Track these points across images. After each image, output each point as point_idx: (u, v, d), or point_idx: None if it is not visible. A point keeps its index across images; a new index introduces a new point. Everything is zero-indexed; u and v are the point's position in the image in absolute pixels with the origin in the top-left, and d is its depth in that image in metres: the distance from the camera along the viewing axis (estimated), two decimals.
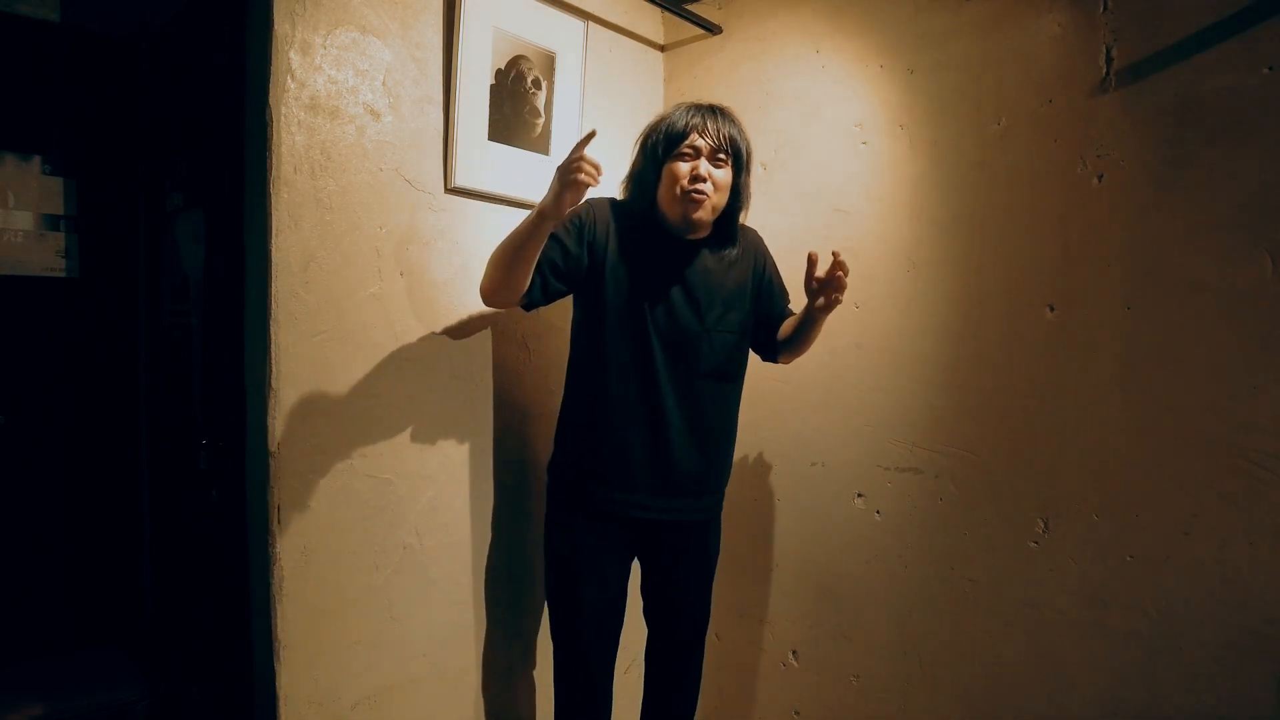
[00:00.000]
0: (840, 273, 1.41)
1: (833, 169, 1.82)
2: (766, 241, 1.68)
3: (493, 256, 1.44)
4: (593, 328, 1.54)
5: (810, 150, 1.87)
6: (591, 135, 1.29)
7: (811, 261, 1.43)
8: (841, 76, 1.81)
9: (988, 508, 1.61)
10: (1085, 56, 1.47)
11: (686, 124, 1.47)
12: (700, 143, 1.45)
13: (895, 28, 1.72)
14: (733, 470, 2.01)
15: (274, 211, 1.36)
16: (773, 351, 1.67)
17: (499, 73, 1.68)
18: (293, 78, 1.37)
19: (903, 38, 1.71)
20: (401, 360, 1.57)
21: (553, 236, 1.45)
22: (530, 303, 1.48)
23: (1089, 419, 1.48)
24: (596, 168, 1.28)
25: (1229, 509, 1.33)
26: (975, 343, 1.62)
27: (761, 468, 1.96)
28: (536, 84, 1.77)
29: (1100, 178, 1.46)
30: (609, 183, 1.55)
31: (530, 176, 1.77)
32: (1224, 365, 1.34)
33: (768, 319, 1.64)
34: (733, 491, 2.01)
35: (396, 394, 1.56)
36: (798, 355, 1.66)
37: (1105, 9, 1.45)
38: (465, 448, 1.70)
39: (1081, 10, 1.47)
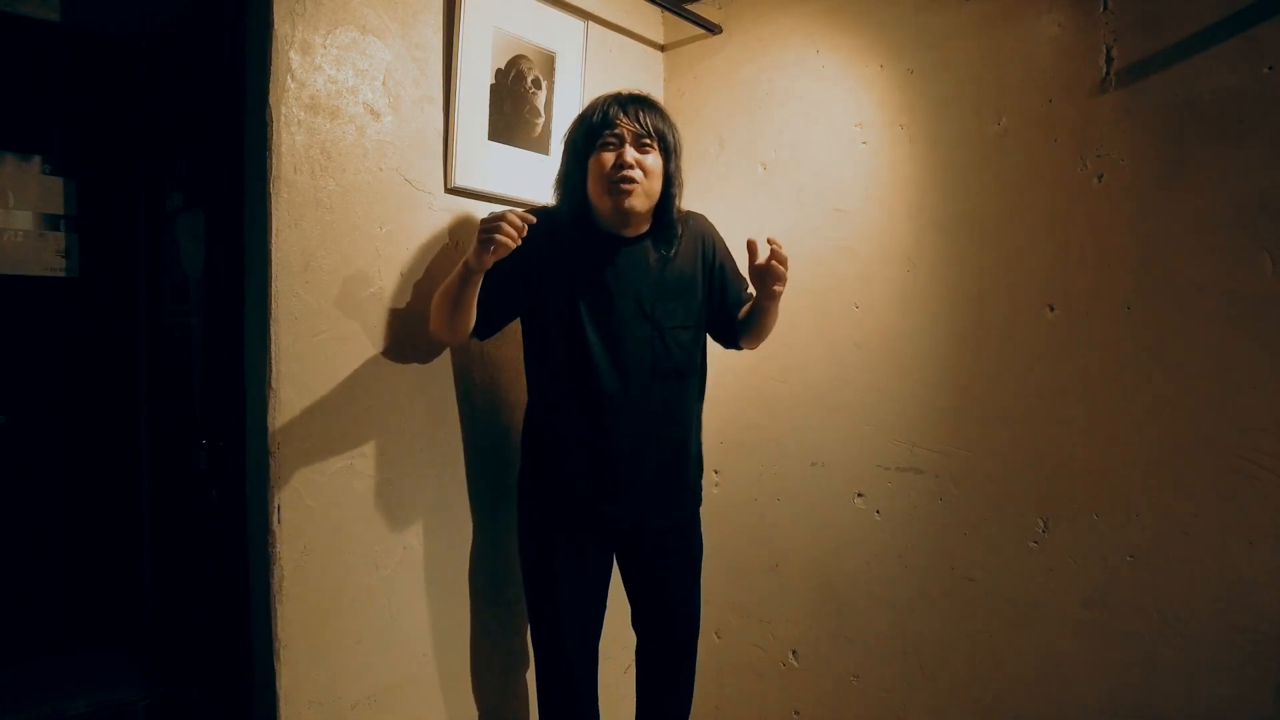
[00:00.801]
0: (775, 260, 1.38)
1: (833, 169, 1.82)
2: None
3: (433, 303, 1.48)
4: (535, 339, 1.54)
5: (810, 150, 1.87)
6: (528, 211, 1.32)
7: (751, 250, 1.40)
8: (841, 76, 1.81)
9: (988, 508, 1.61)
10: (1085, 56, 1.47)
11: (605, 113, 1.43)
12: (622, 130, 1.42)
13: (895, 28, 1.72)
14: (733, 470, 2.02)
15: (274, 211, 1.36)
16: (732, 339, 1.63)
17: (499, 72, 1.68)
18: (293, 77, 1.37)
19: (903, 38, 1.71)
20: (402, 360, 1.57)
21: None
22: (479, 337, 1.51)
23: (1089, 419, 1.48)
24: (519, 229, 1.28)
25: (1229, 509, 1.33)
26: (975, 343, 1.62)
27: (761, 468, 1.96)
28: (536, 84, 1.77)
29: (1100, 178, 1.46)
30: None
31: (530, 176, 1.77)
32: (1224, 365, 1.34)
33: (722, 307, 1.60)
34: (733, 491, 2.01)
35: (396, 394, 1.56)
36: (759, 341, 1.63)
37: (1105, 9, 1.45)
38: (466, 446, 1.70)
39: (1081, 10, 1.47)
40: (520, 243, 1.31)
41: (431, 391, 1.62)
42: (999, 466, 1.59)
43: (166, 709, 1.78)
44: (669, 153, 1.46)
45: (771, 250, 1.38)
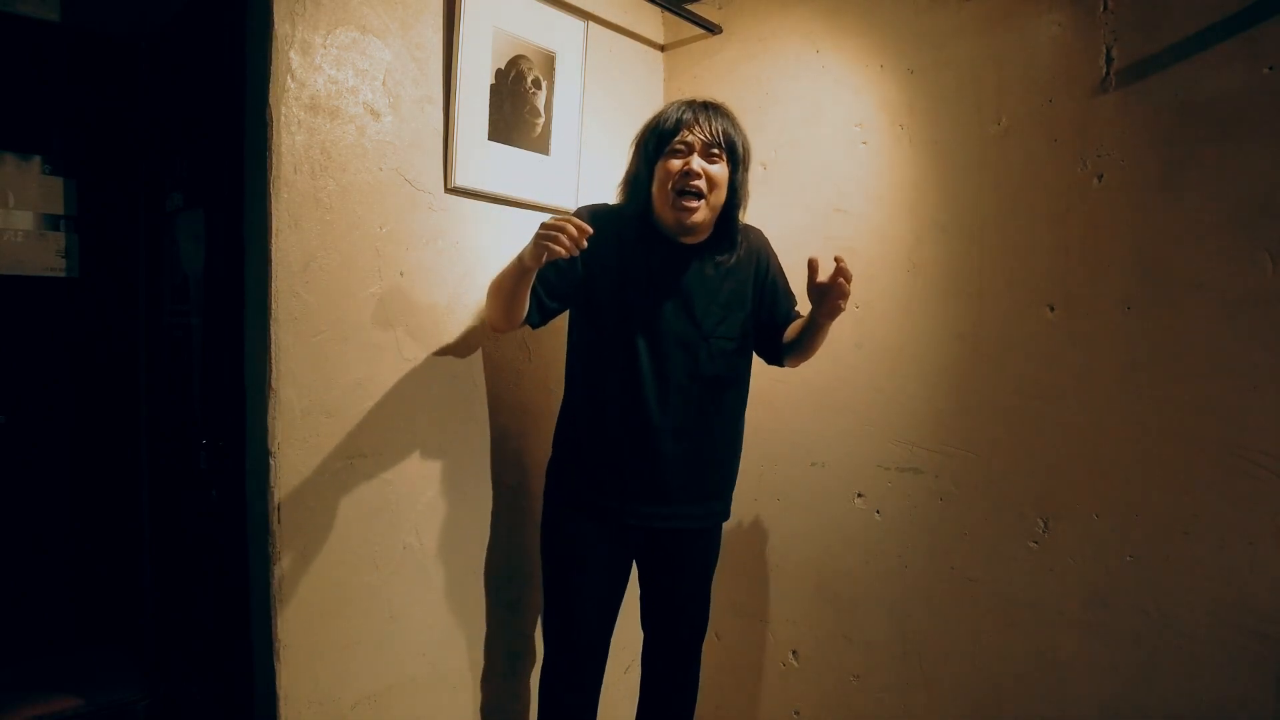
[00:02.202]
0: (842, 279, 1.35)
1: (833, 169, 1.82)
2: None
3: (489, 291, 1.50)
4: (584, 334, 1.55)
5: (810, 150, 1.87)
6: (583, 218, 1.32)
7: (812, 268, 1.38)
8: (841, 76, 1.81)
9: (988, 508, 1.61)
10: (1085, 56, 1.47)
11: (678, 120, 1.43)
12: (692, 138, 1.42)
13: (895, 28, 1.72)
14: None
15: (274, 211, 1.36)
16: (777, 356, 1.62)
17: (499, 72, 1.68)
18: (293, 78, 1.37)
19: (903, 38, 1.71)
20: (401, 360, 1.57)
21: None
22: (532, 324, 1.51)
23: (1089, 419, 1.48)
24: (575, 240, 1.27)
25: (1229, 509, 1.33)
26: (975, 343, 1.62)
27: (761, 468, 1.96)
28: (536, 84, 1.77)
29: (1100, 178, 1.46)
30: (609, 186, 1.55)
31: (530, 176, 1.77)
32: (1224, 365, 1.34)
33: (770, 323, 1.60)
34: (733, 491, 2.01)
35: (396, 394, 1.56)
36: (803, 360, 1.61)
37: (1105, 9, 1.45)
38: (465, 447, 1.70)
39: (1081, 10, 1.47)
40: (576, 254, 1.30)
41: (432, 392, 1.62)
42: (999, 466, 1.59)
43: (166, 709, 1.78)
44: (737, 163, 1.46)
45: (838, 268, 1.34)
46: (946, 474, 1.67)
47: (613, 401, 1.50)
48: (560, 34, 1.80)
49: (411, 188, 1.57)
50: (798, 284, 1.57)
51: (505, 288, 1.43)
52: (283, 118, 1.36)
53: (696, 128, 1.42)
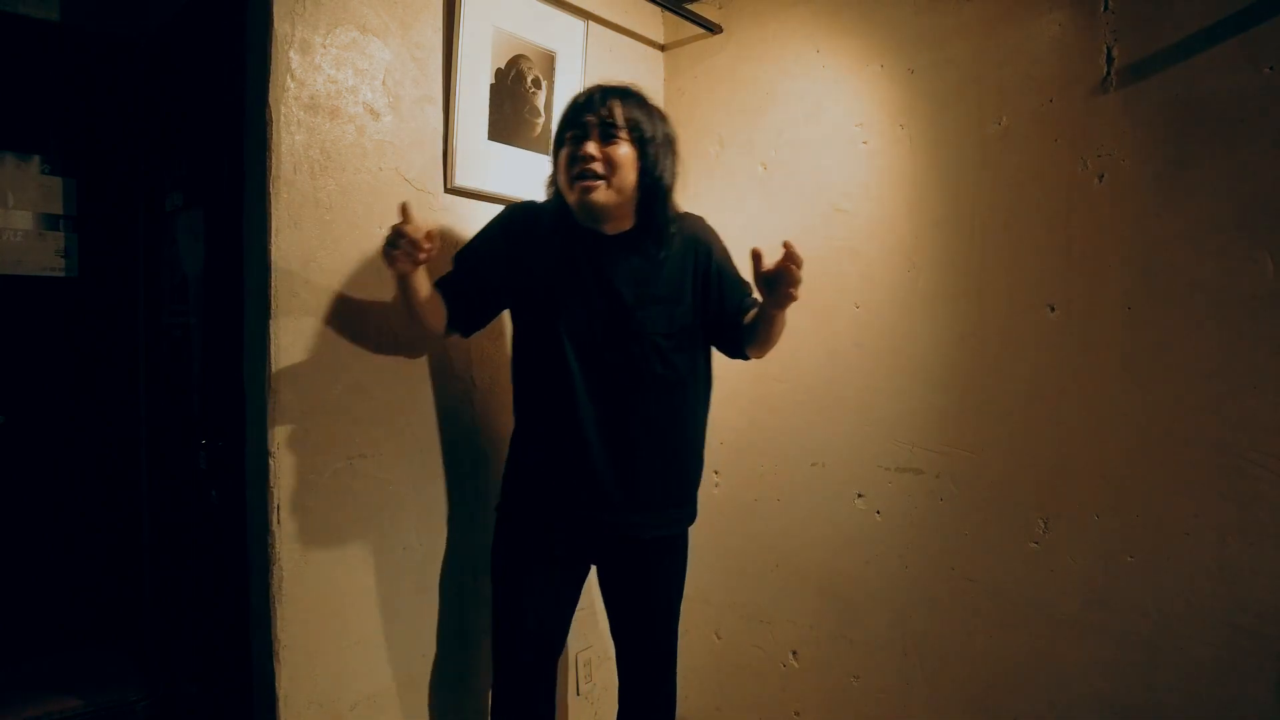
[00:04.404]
0: (792, 264, 1.25)
1: (833, 169, 1.82)
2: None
3: None
4: (518, 337, 1.50)
5: (810, 150, 1.86)
6: (402, 206, 1.22)
7: (756, 257, 1.29)
8: (841, 76, 1.81)
9: (988, 508, 1.61)
10: (1086, 56, 1.47)
11: (576, 106, 1.36)
12: (588, 120, 1.34)
13: (895, 27, 1.72)
14: (733, 470, 2.01)
15: (274, 211, 1.36)
16: (738, 348, 1.50)
17: (499, 72, 1.68)
18: (292, 77, 1.37)
19: (903, 37, 1.71)
20: (401, 361, 1.56)
21: (459, 258, 1.45)
22: (460, 332, 1.47)
23: (1089, 419, 1.48)
24: (416, 245, 1.20)
25: (1229, 509, 1.33)
26: (975, 343, 1.62)
27: (761, 468, 1.96)
28: (536, 83, 1.76)
29: (1101, 178, 1.46)
30: None
31: (530, 176, 1.76)
32: (1224, 365, 1.34)
33: (722, 314, 1.47)
34: (733, 491, 2.01)
35: (396, 394, 1.56)
36: (765, 351, 1.50)
37: (1106, 9, 1.45)
38: (465, 447, 1.69)
39: (1082, 10, 1.47)
40: (414, 267, 1.25)
41: (432, 392, 1.62)
42: (999, 466, 1.59)
43: (166, 709, 1.78)
44: (646, 143, 1.36)
45: (787, 252, 1.25)
46: (946, 474, 1.66)
47: (544, 407, 1.43)
48: (560, 34, 1.80)
49: (411, 188, 1.57)
50: None
51: (398, 299, 1.37)
52: (282, 117, 1.36)
53: (590, 109, 1.35)
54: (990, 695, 1.61)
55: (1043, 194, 1.52)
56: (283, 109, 1.36)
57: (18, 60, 1.77)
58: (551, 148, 1.43)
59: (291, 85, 1.37)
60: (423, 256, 1.24)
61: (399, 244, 1.22)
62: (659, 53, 2.14)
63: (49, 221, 1.84)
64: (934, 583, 1.69)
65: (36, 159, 1.82)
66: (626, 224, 1.42)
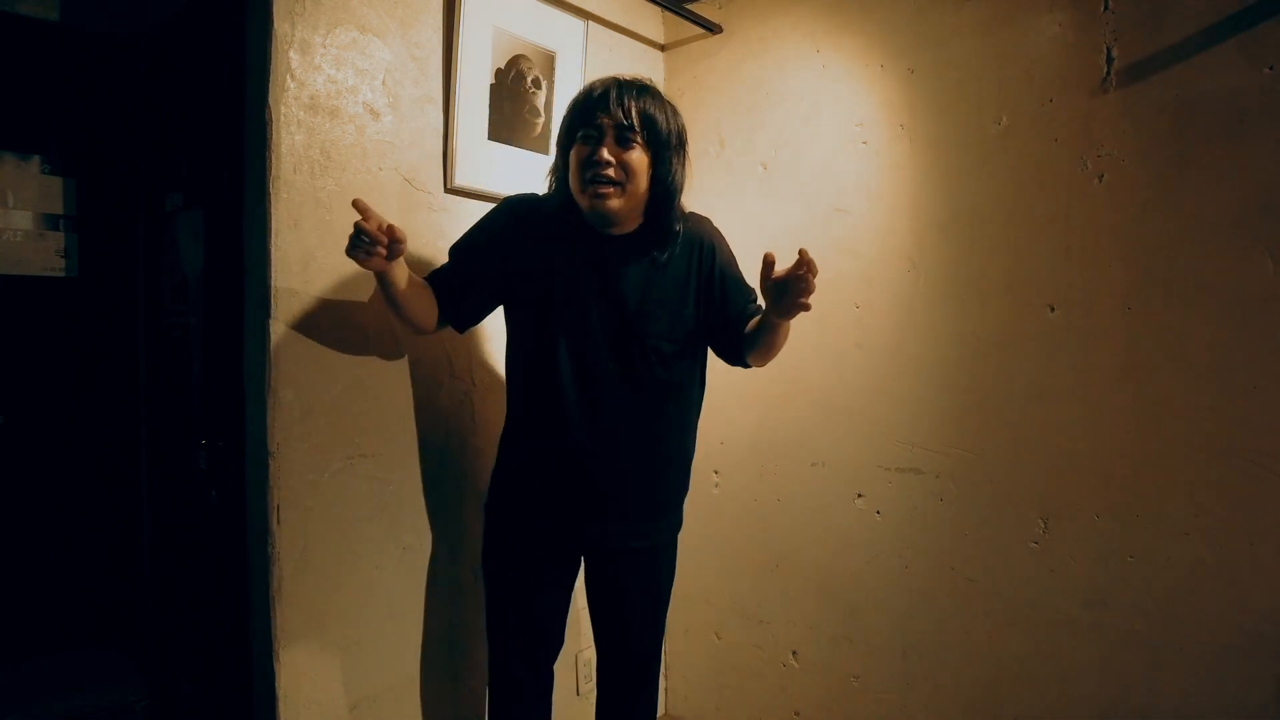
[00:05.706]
0: (806, 272, 1.19)
1: (833, 169, 1.82)
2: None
3: None
4: (511, 337, 1.46)
5: (810, 150, 1.86)
6: (356, 203, 1.19)
7: (768, 262, 1.24)
8: (842, 76, 1.81)
9: (988, 508, 1.61)
10: (1086, 56, 1.47)
11: (591, 102, 1.30)
12: (604, 122, 1.28)
13: (896, 27, 1.72)
14: (733, 470, 2.02)
15: (274, 211, 1.36)
16: (737, 355, 1.46)
17: (499, 72, 1.68)
18: (292, 77, 1.37)
19: (903, 37, 1.71)
20: (401, 361, 1.56)
21: (454, 250, 1.43)
22: (457, 328, 1.46)
23: (1089, 419, 1.48)
24: (375, 239, 1.17)
25: (1229, 509, 1.33)
26: (976, 343, 1.62)
27: (761, 468, 1.96)
28: (536, 83, 1.76)
29: (1101, 178, 1.46)
30: None
31: (530, 176, 1.76)
32: (1224, 365, 1.34)
33: (723, 319, 1.43)
34: (733, 491, 2.01)
35: (396, 394, 1.56)
36: (767, 360, 1.45)
37: (1106, 9, 1.45)
38: (465, 447, 1.69)
39: (1082, 10, 1.47)
40: (385, 263, 1.22)
41: (432, 392, 1.62)
42: (999, 466, 1.59)
43: (166, 709, 1.78)
44: (661, 146, 1.31)
45: (801, 259, 1.19)
46: (946, 474, 1.66)
47: (534, 406, 1.40)
48: (560, 34, 1.80)
49: (411, 188, 1.57)
50: None
51: (379, 295, 1.34)
52: (282, 117, 1.36)
53: (608, 110, 1.28)
54: (990, 695, 1.61)
55: (1043, 194, 1.52)
56: (283, 109, 1.36)
57: (18, 60, 1.77)
58: (558, 138, 1.38)
59: (291, 85, 1.37)
60: (382, 250, 1.20)
61: (359, 241, 1.20)
62: (659, 53, 2.14)
63: (49, 221, 1.84)
64: (934, 583, 1.69)
65: (37, 159, 1.82)
66: (633, 225, 1.38)
